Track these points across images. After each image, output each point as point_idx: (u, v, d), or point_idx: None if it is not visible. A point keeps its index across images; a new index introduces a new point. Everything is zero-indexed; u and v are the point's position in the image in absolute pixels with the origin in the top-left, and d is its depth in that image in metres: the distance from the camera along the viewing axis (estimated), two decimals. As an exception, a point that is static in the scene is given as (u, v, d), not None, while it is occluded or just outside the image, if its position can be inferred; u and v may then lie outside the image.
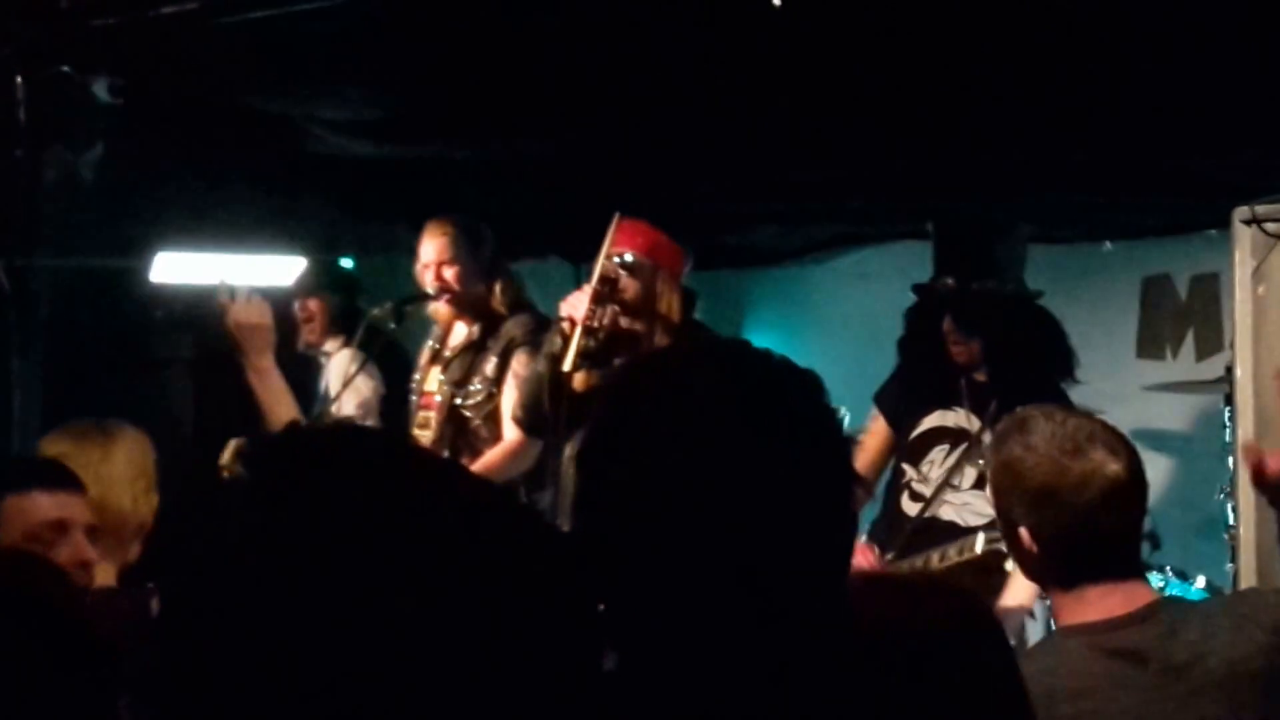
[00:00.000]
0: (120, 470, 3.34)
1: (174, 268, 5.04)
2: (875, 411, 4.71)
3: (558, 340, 4.44)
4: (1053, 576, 2.48)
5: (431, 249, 4.99)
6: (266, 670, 1.05)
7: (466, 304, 5.03)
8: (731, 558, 1.42)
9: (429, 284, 4.99)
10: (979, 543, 4.12)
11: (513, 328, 4.98)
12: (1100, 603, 2.42)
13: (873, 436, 4.68)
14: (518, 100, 5.51)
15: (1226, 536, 4.04)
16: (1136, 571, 2.49)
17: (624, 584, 1.43)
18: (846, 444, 1.57)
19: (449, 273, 4.96)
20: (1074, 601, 2.44)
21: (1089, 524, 2.39)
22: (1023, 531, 2.43)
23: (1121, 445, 2.44)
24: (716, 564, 1.42)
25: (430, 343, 5.22)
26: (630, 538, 1.44)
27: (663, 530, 1.43)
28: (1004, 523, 2.49)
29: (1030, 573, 2.52)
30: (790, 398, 1.49)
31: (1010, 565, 4.06)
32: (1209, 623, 2.43)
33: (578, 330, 4.32)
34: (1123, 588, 2.44)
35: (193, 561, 1.12)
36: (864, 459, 4.65)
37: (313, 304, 5.67)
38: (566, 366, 4.32)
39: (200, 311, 4.94)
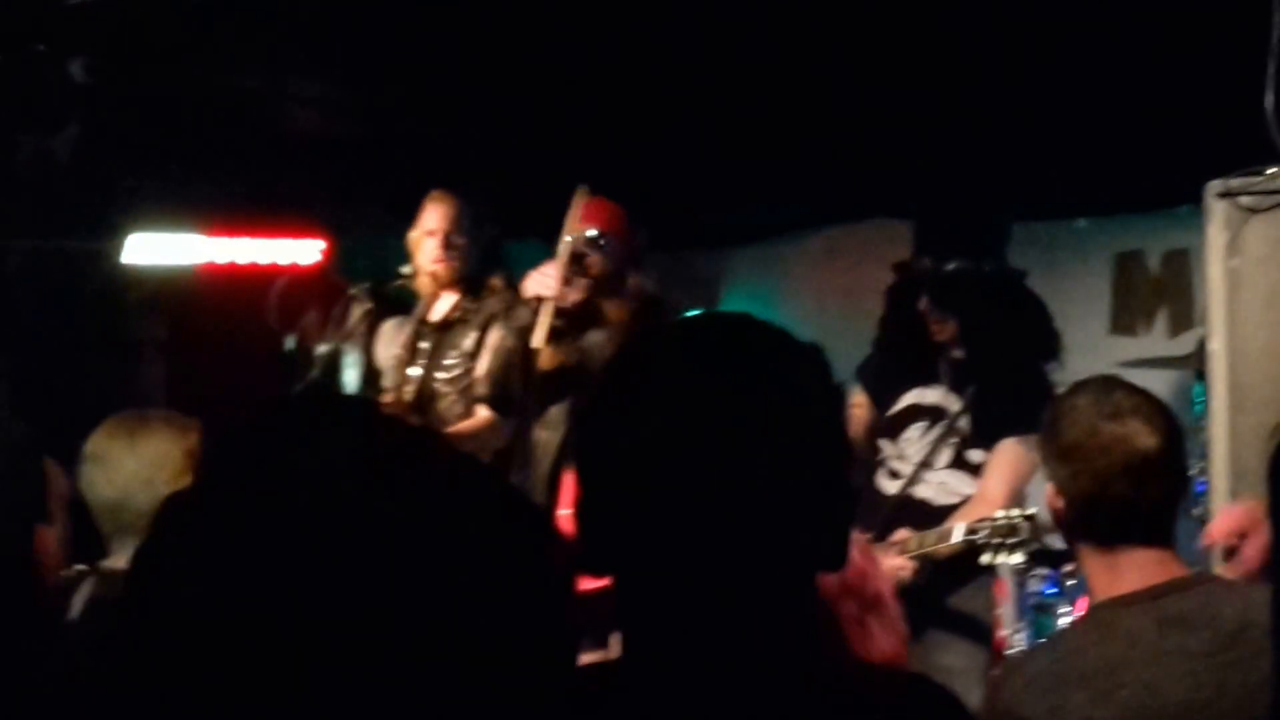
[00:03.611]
0: (135, 467, 3.14)
1: (147, 249, 5.01)
2: (858, 387, 4.70)
3: (526, 312, 4.41)
4: (1080, 535, 2.53)
5: (436, 217, 4.90)
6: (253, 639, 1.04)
7: (457, 278, 4.98)
8: (723, 533, 1.40)
9: (429, 251, 4.89)
10: (957, 533, 4.13)
11: (494, 304, 4.92)
12: (1136, 570, 2.47)
13: (856, 410, 4.68)
14: (495, 80, 5.52)
15: (1197, 512, 4.06)
16: (1167, 543, 2.52)
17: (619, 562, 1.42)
18: (843, 417, 1.56)
19: (453, 242, 4.89)
20: (1108, 567, 2.48)
21: (1106, 488, 2.45)
22: (1049, 486, 2.52)
23: (1162, 422, 2.48)
24: (707, 540, 1.40)
25: (411, 320, 5.15)
26: (622, 514, 1.42)
27: (655, 508, 1.40)
28: (1046, 475, 2.56)
29: (1062, 529, 2.57)
30: (789, 370, 1.47)
31: (985, 559, 4.10)
32: (1243, 592, 2.49)
33: (547, 308, 4.29)
34: (1155, 556, 2.48)
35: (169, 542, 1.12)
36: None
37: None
38: (537, 344, 4.28)
39: (173, 293, 4.92)
